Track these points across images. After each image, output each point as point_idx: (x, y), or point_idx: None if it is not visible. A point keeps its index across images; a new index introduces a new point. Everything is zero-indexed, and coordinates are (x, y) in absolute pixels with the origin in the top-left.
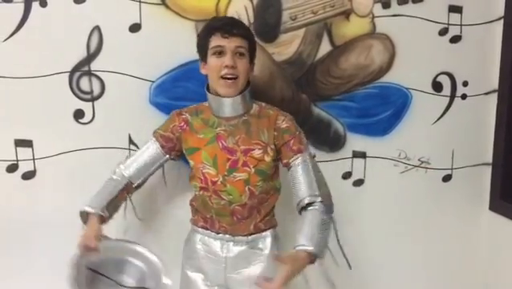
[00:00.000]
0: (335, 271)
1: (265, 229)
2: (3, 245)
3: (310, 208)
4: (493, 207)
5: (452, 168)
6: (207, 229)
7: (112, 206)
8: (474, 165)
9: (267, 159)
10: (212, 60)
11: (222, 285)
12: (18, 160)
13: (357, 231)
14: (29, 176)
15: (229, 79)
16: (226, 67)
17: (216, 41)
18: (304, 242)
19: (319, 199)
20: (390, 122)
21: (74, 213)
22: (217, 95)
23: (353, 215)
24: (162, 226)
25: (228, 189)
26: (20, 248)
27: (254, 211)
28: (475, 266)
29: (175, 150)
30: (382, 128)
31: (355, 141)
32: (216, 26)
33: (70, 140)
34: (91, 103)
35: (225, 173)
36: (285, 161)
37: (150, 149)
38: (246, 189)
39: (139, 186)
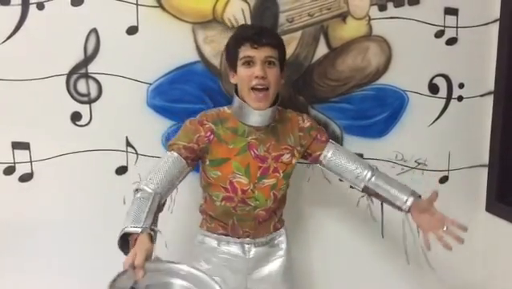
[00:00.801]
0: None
1: (280, 228)
2: (0, 247)
3: (375, 173)
4: (490, 208)
5: (448, 170)
6: (226, 235)
7: (155, 224)
8: (471, 167)
9: (294, 161)
10: (241, 70)
11: (243, 286)
12: (15, 163)
13: (355, 232)
14: (26, 178)
15: (259, 90)
16: (256, 77)
17: (245, 51)
18: (404, 193)
19: (373, 168)
20: (387, 124)
21: (71, 216)
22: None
23: (350, 216)
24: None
25: (256, 196)
26: (17, 250)
27: (273, 213)
28: (472, 267)
29: (196, 161)
30: (379, 129)
31: (352, 143)
32: (245, 36)
33: (67, 143)
34: (88, 106)
35: (256, 181)
36: (317, 153)
37: (175, 163)
38: (271, 193)
39: (163, 205)
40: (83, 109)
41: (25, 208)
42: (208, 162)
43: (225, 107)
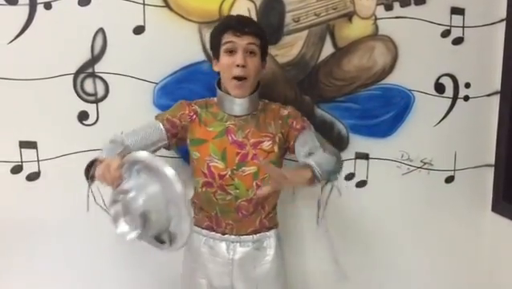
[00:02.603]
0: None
1: (269, 228)
2: (7, 245)
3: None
4: (496, 208)
5: (454, 170)
6: (212, 229)
7: None
8: (477, 167)
9: (276, 149)
10: (224, 58)
11: (228, 287)
12: (22, 162)
13: (360, 232)
14: (33, 177)
15: (239, 79)
16: (237, 66)
17: (228, 38)
18: (306, 160)
19: (322, 149)
20: (393, 123)
21: (78, 215)
22: (228, 93)
23: (356, 216)
24: None
25: (235, 184)
26: (24, 249)
27: (259, 207)
28: (477, 267)
29: (176, 137)
30: (385, 129)
31: (358, 143)
32: (229, 24)
33: (74, 142)
34: (95, 105)
35: (234, 167)
36: (292, 143)
37: (156, 129)
38: (254, 183)
39: None
40: (90, 108)
41: (32, 207)
42: (189, 141)
43: (214, 98)
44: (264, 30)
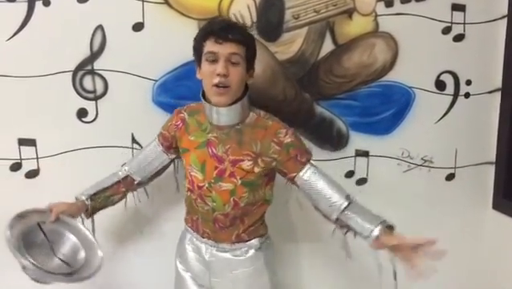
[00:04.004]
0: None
1: (249, 240)
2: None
3: (351, 204)
4: (497, 206)
5: (455, 167)
6: (193, 231)
7: (103, 197)
8: (477, 164)
9: (256, 170)
10: (205, 66)
11: (208, 287)
12: (21, 159)
13: None
14: (32, 175)
15: (220, 87)
16: (218, 75)
17: (209, 46)
18: (372, 223)
19: (351, 198)
20: (393, 121)
21: None
22: (210, 102)
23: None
24: (157, 225)
25: (213, 196)
26: None
27: (237, 221)
28: (478, 265)
29: (172, 148)
30: (385, 126)
31: (358, 140)
32: (211, 29)
33: (73, 139)
34: (94, 102)
35: (212, 180)
36: (292, 174)
37: (151, 146)
38: (231, 199)
39: (141, 184)
40: (89, 106)
41: (31, 204)
42: (180, 150)
43: None
44: (251, 36)
